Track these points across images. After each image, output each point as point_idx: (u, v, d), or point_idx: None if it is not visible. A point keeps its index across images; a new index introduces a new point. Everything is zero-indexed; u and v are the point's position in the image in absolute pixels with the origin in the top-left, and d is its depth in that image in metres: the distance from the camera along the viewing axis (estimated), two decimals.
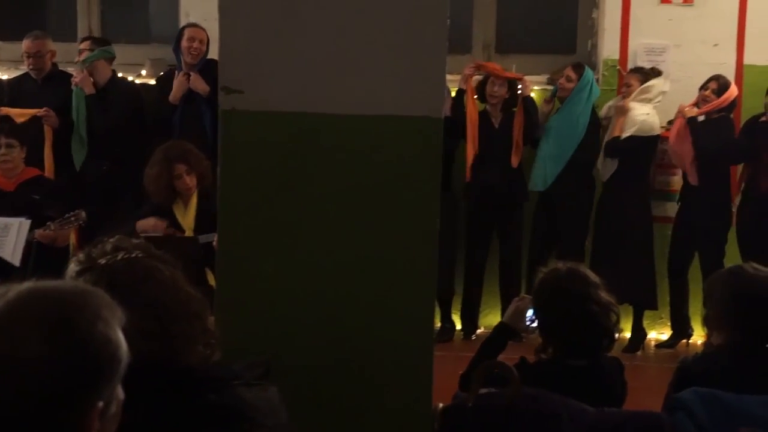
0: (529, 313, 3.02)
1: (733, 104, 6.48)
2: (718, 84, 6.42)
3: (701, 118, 6.40)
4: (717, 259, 6.17)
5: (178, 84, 6.32)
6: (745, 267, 2.98)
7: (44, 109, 6.27)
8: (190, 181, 5.20)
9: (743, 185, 6.48)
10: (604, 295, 2.89)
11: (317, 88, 2.59)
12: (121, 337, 1.45)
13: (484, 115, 6.58)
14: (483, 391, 2.64)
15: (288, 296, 2.61)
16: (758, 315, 2.84)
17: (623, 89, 6.57)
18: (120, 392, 1.47)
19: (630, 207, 6.46)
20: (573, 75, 6.53)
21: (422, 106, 2.59)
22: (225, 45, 2.61)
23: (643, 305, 6.52)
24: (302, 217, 2.60)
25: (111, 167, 6.30)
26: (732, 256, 6.16)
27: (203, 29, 6.39)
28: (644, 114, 6.45)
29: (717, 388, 2.69)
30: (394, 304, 2.62)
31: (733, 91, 6.43)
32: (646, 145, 6.46)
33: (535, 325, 3.00)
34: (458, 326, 6.75)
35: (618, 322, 2.94)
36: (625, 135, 6.40)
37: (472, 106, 6.53)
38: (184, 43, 6.34)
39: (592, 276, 2.94)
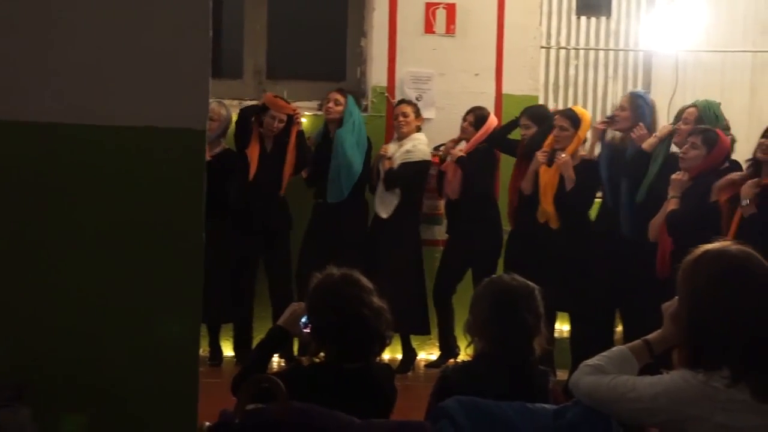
0: (304, 318, 3.02)
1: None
2: (475, 116, 6.67)
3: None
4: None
5: None
6: (503, 276, 3.10)
7: None
8: None
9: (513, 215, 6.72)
10: (377, 301, 2.93)
11: (73, 97, 2.50)
12: None
13: (260, 141, 6.54)
14: (251, 406, 2.60)
15: (41, 316, 2.48)
16: (512, 322, 2.97)
17: (401, 119, 6.67)
18: None
19: (403, 235, 6.61)
20: (341, 98, 6.64)
21: (185, 118, 2.55)
22: None
23: (416, 332, 6.68)
24: (55, 231, 2.49)
25: None
26: None
27: None
28: (416, 141, 6.63)
29: (476, 395, 2.77)
30: (155, 322, 2.55)
31: (491, 122, 6.69)
32: (420, 171, 6.64)
33: (308, 330, 3.00)
34: (230, 353, 6.67)
35: (389, 327, 2.98)
36: (397, 164, 6.54)
37: (256, 140, 6.50)
38: None
39: (365, 281, 2.98)
